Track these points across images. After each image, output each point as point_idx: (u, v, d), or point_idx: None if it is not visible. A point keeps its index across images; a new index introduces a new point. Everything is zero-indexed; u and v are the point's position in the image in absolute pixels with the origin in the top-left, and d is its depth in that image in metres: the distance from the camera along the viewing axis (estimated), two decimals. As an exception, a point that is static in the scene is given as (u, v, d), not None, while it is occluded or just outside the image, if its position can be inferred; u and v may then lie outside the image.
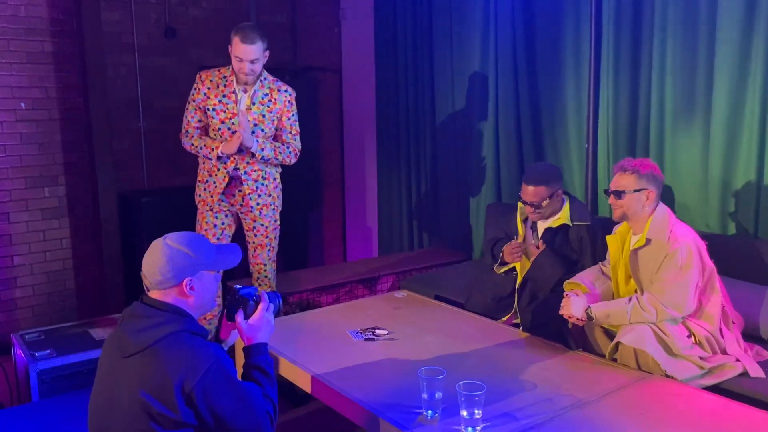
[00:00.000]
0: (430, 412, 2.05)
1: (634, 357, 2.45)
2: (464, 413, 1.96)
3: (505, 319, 3.15)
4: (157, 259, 1.76)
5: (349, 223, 5.79)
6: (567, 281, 2.80)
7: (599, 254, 2.96)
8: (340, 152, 5.71)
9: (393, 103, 5.05)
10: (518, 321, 3.11)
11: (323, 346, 2.64)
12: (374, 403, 2.14)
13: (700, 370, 2.47)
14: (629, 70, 3.54)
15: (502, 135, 4.26)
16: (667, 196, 3.44)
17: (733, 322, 2.63)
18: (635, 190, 2.59)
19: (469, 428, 1.96)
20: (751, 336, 2.72)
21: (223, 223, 3.52)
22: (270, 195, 3.51)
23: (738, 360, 2.51)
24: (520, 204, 3.20)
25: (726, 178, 3.23)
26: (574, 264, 3.02)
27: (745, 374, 2.48)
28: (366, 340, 2.69)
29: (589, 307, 2.59)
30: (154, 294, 1.79)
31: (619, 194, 2.62)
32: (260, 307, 1.96)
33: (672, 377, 2.40)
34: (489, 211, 4.23)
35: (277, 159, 3.44)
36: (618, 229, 2.78)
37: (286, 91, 3.44)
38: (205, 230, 3.48)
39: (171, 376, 1.65)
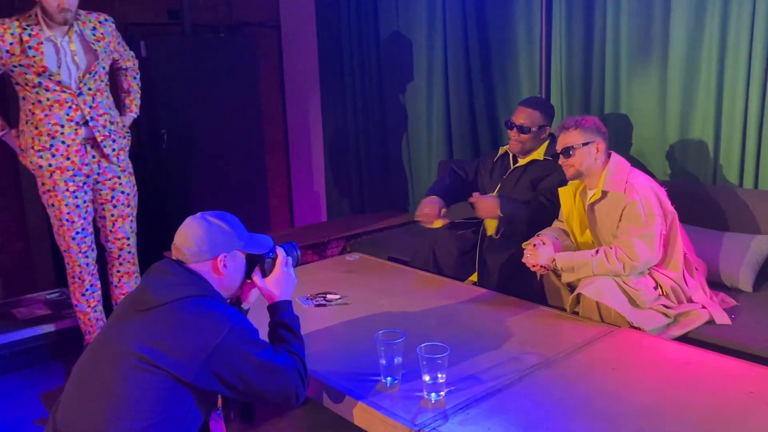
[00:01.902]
0: (389, 378, 1.89)
1: (596, 310, 2.35)
2: (426, 378, 1.80)
3: (473, 280, 3.00)
4: (194, 230, 1.72)
5: (295, 188, 5.55)
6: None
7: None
8: (282, 114, 5.44)
9: (337, 61, 4.79)
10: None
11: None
12: (327, 373, 1.96)
13: (666, 319, 2.39)
14: (582, 13, 3.39)
15: (452, 90, 4.08)
16: (623, 145, 3.34)
17: (697, 269, 2.54)
18: (583, 144, 2.47)
19: (432, 394, 1.80)
20: (713, 283, 2.65)
21: (85, 202, 2.95)
22: (124, 138, 3.06)
23: (704, 307, 2.43)
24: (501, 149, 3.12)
25: (684, 123, 3.14)
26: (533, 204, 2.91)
27: (711, 322, 2.40)
28: (317, 306, 2.50)
29: (554, 257, 2.47)
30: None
31: (567, 152, 2.49)
32: (278, 262, 1.85)
33: (639, 328, 2.30)
34: (440, 168, 4.06)
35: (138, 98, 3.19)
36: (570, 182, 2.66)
37: (106, 20, 2.97)
38: (66, 220, 2.90)
39: (192, 336, 1.57)
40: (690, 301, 2.46)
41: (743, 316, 2.45)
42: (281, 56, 5.33)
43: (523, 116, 2.95)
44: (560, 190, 2.67)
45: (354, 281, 2.80)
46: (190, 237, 1.72)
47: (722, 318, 2.40)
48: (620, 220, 2.44)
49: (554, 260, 2.46)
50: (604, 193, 2.48)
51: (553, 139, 2.99)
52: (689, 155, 3.14)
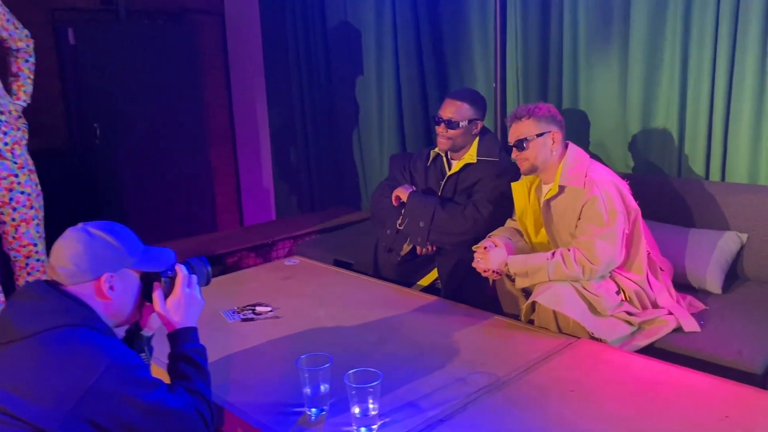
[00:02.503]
0: (314, 410, 1.63)
1: (553, 319, 2.12)
2: (356, 410, 1.55)
3: (422, 284, 2.75)
4: (71, 246, 1.43)
5: (243, 184, 5.25)
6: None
7: (506, 206, 2.60)
8: (228, 107, 5.13)
9: (282, 51, 4.51)
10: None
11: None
12: (245, 404, 1.69)
13: (629, 327, 2.17)
14: (538, -5, 3.17)
15: (404, 81, 3.83)
16: (583, 136, 3.13)
17: (662, 270, 2.33)
18: (538, 135, 2.24)
19: (363, 429, 1.54)
20: (679, 285, 2.44)
21: None
22: (18, 130, 2.75)
23: (670, 313, 2.22)
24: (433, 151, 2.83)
25: (646, 112, 2.93)
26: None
27: (678, 329, 2.19)
28: (243, 320, 2.22)
29: (506, 260, 2.23)
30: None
31: (521, 144, 2.26)
32: (178, 281, 1.56)
33: (600, 339, 2.08)
34: (393, 162, 3.80)
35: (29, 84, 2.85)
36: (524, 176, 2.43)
37: None
38: None
39: (58, 377, 1.29)
40: (655, 305, 2.25)
41: (713, 322, 2.25)
42: (225, 45, 5.01)
43: (451, 110, 2.68)
44: (513, 185, 2.43)
45: (290, 290, 2.53)
46: (66, 254, 1.42)
47: (690, 325, 2.19)
48: (579, 219, 2.21)
49: (507, 264, 2.23)
50: (561, 189, 2.26)
51: (484, 133, 2.76)
52: (652, 147, 2.94)
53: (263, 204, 5.10)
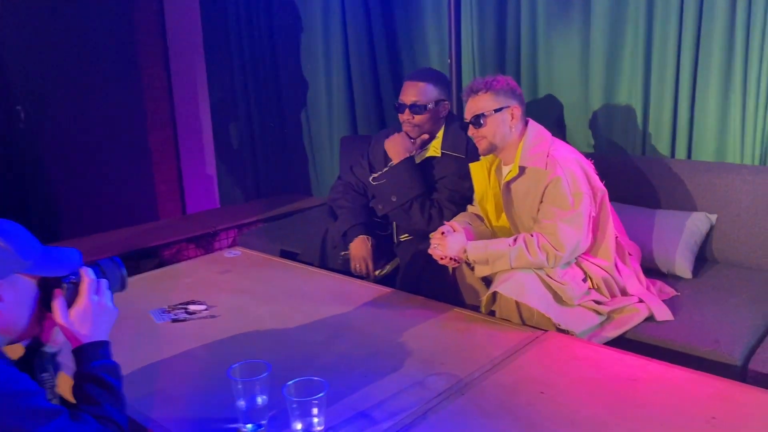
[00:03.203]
0: (250, 426, 1.41)
1: (516, 310, 1.94)
2: (298, 426, 1.34)
3: (380, 273, 2.54)
4: None
5: (185, 171, 4.93)
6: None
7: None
8: (167, 88, 4.79)
9: (222, 26, 4.21)
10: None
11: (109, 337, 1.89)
12: (172, 421, 1.46)
13: (598, 317, 2.01)
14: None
15: (353, 59, 3.60)
16: (542, 114, 2.95)
17: (630, 255, 2.18)
18: (495, 110, 2.06)
19: (307, 447, 1.34)
20: (647, 270, 2.28)
21: None
22: None
23: (641, 301, 2.07)
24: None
25: (609, 89, 2.78)
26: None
27: (650, 318, 2.05)
28: (174, 321, 1.98)
29: (465, 246, 2.04)
30: None
31: (477, 121, 2.08)
32: (83, 288, 1.30)
33: (567, 331, 1.91)
34: (343, 145, 3.58)
35: None
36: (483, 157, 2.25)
37: None
38: None
39: None
40: (624, 293, 2.10)
41: (686, 309, 2.11)
42: (163, 21, 4.68)
43: (413, 92, 2.44)
44: (472, 166, 2.25)
45: (229, 285, 2.29)
46: None
47: (663, 313, 2.05)
48: (542, 201, 2.04)
49: (465, 251, 2.04)
50: (522, 169, 2.08)
51: (451, 120, 2.55)
52: (615, 124, 2.79)
53: (207, 191, 4.80)
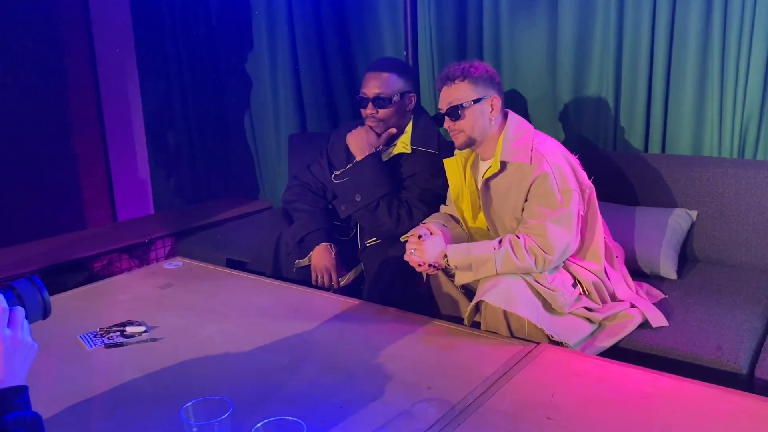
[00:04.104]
0: (209, 480, 1.14)
1: (504, 321, 1.74)
2: (271, 479, 1.09)
3: (342, 282, 2.30)
4: None
5: (115, 176, 4.55)
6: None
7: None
8: (94, 86, 4.40)
9: (156, 19, 3.88)
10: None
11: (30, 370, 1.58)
12: (107, 476, 1.18)
13: (590, 325, 1.83)
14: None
15: (300, 49, 3.34)
16: (507, 107, 2.78)
17: (617, 257, 2.02)
18: (474, 101, 1.85)
19: (281, 505, 1.09)
20: (629, 272, 2.12)
21: None
22: None
23: (633, 306, 1.90)
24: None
25: (578, 81, 2.63)
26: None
27: (644, 324, 1.88)
28: (107, 346, 1.68)
29: (445, 251, 1.83)
30: None
31: (455, 112, 1.87)
32: None
33: (561, 343, 1.72)
34: (292, 142, 3.32)
35: None
36: (458, 151, 2.04)
37: None
38: None
39: None
40: (614, 298, 1.93)
41: (677, 313, 1.95)
42: (88, 14, 4.29)
43: (376, 84, 2.22)
44: (446, 162, 2.04)
45: (171, 301, 2.00)
46: None
47: (657, 319, 1.88)
48: (527, 200, 1.85)
49: (446, 256, 1.83)
50: (503, 165, 1.88)
51: (419, 113, 2.34)
52: (584, 118, 2.64)
53: (139, 196, 4.43)
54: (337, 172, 2.26)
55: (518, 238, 1.78)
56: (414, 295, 2.01)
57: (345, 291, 2.26)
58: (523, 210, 1.86)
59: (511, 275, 1.77)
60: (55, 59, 3.94)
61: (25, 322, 1.04)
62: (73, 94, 4.21)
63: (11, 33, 3.67)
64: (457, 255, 1.80)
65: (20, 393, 1.00)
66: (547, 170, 1.81)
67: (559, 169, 1.83)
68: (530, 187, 1.83)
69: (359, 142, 2.24)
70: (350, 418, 1.33)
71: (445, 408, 1.37)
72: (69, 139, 4.11)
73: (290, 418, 1.11)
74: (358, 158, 2.23)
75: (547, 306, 1.78)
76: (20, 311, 1.03)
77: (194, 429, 1.13)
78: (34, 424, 0.99)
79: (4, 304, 1.01)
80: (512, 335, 1.73)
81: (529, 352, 1.63)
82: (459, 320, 1.86)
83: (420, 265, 1.85)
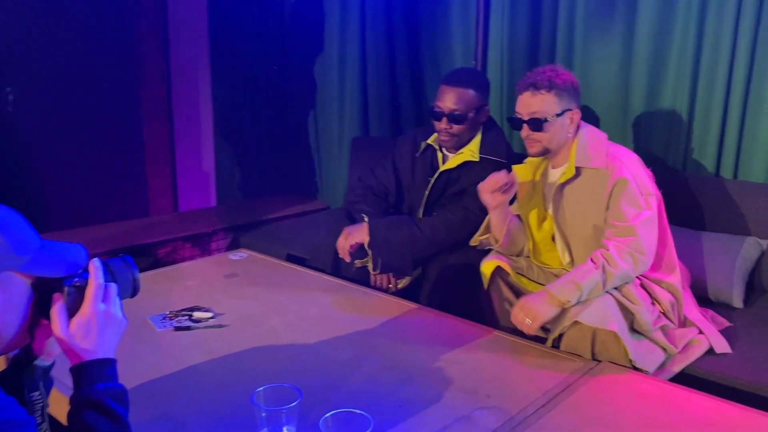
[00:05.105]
0: (274, 465, 1.18)
1: (589, 343, 1.68)
2: (336, 469, 1.11)
3: (402, 284, 2.31)
4: None
5: (180, 166, 4.68)
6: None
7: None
8: (166, 77, 4.55)
9: (232, 17, 3.98)
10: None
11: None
12: (176, 453, 1.23)
13: (664, 354, 1.78)
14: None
15: (369, 54, 3.38)
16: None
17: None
18: (558, 114, 1.83)
19: (345, 495, 1.11)
20: (696, 298, 2.08)
21: None
22: None
23: (701, 332, 1.86)
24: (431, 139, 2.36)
25: (651, 98, 2.58)
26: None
27: (708, 350, 1.84)
28: (176, 329, 1.74)
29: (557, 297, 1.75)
30: None
31: (537, 124, 1.84)
32: (88, 294, 1.04)
33: (641, 370, 1.68)
34: (355, 145, 3.36)
35: None
36: (530, 158, 2.04)
37: None
38: None
39: None
40: (685, 321, 1.89)
41: (741, 342, 1.91)
42: (166, 9, 4.44)
43: (452, 99, 2.18)
44: (517, 169, 2.03)
45: (236, 290, 2.06)
46: None
47: (721, 345, 1.84)
48: (608, 206, 1.82)
49: (560, 302, 1.73)
50: (578, 171, 1.87)
51: (490, 126, 2.33)
52: (655, 137, 2.60)
53: (202, 188, 4.56)
54: (372, 272, 2.26)
55: (608, 249, 1.75)
56: (473, 304, 2.01)
57: (402, 294, 2.28)
58: (605, 216, 1.83)
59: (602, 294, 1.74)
60: (130, 51, 4.09)
61: (117, 298, 1.09)
62: (146, 87, 4.36)
63: (93, 27, 3.83)
64: (566, 291, 1.73)
65: (110, 365, 1.05)
66: (626, 175, 1.79)
67: (638, 174, 1.81)
68: (612, 190, 1.81)
69: (351, 239, 2.23)
70: (411, 419, 1.35)
71: (505, 417, 1.37)
72: (140, 130, 4.26)
73: (357, 411, 1.13)
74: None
75: (630, 326, 1.75)
76: (114, 287, 1.08)
77: (264, 413, 1.16)
78: (120, 395, 1.04)
79: (101, 280, 1.06)
80: (593, 357, 1.69)
81: (590, 369, 1.61)
82: (519, 332, 1.85)
83: (530, 328, 1.75)
